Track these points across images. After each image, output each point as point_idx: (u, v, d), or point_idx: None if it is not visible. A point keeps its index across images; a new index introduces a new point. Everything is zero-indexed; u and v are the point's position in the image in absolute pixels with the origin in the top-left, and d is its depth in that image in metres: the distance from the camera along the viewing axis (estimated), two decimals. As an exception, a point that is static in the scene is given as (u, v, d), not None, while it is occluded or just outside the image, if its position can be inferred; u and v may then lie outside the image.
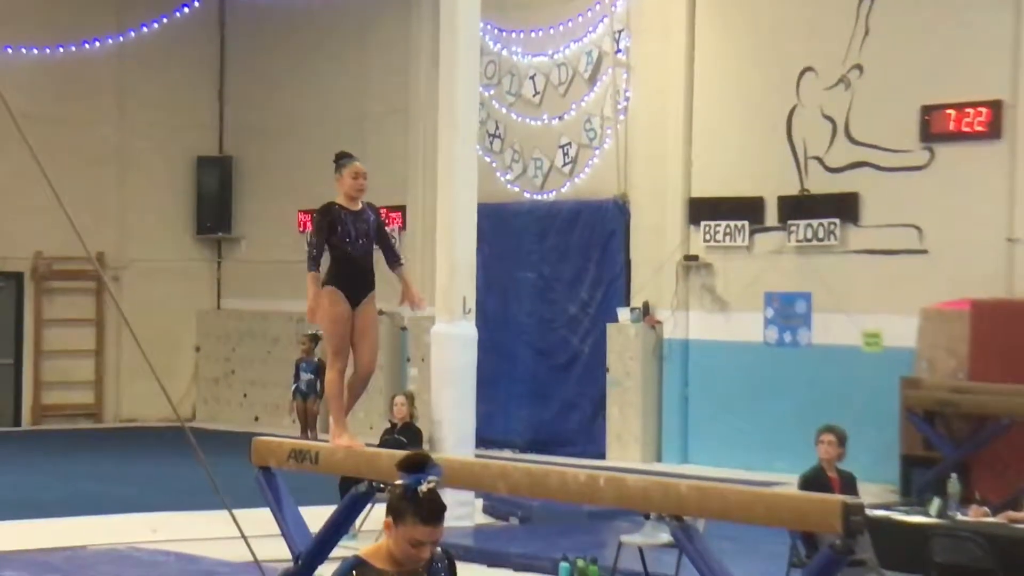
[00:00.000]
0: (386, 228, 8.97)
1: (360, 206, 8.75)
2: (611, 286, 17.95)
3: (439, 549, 4.62)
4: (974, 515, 9.37)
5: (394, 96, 20.35)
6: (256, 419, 21.30)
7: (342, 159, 8.96)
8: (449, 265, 13.16)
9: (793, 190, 16.34)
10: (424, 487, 4.52)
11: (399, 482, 4.58)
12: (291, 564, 8.11)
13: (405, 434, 12.78)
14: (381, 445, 11.94)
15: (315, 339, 18.71)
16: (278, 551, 8.56)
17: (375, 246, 8.69)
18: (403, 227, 20.43)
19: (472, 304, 13.18)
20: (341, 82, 21.18)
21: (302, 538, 8.10)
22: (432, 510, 4.52)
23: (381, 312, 22.12)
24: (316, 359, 18.43)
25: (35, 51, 21.20)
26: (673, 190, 17.27)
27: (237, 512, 8.57)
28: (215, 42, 23.05)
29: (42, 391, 21.93)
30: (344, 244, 8.57)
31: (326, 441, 8.68)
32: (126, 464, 17.72)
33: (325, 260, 8.69)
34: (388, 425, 13.38)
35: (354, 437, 8.32)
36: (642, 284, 17.63)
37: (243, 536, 7.73)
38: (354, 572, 4.61)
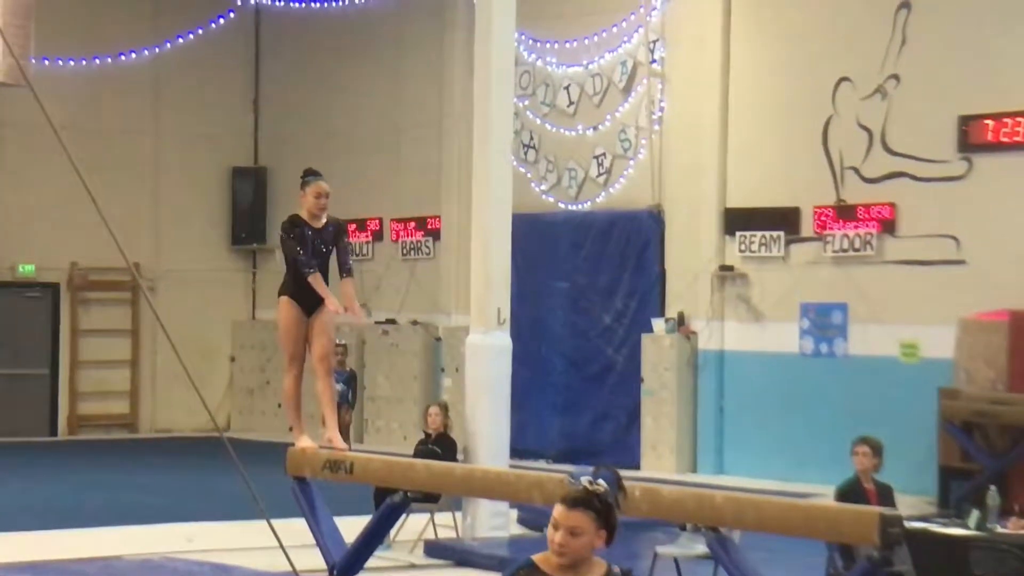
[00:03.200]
0: (347, 241, 9.40)
1: (323, 223, 9.10)
2: (646, 296, 17.91)
3: (616, 570, 4.60)
4: (1013, 527, 9.29)
5: (429, 106, 20.37)
6: (291, 429, 21.28)
7: (308, 176, 9.30)
8: (484, 275, 13.14)
9: (829, 200, 16.27)
10: (586, 480, 4.56)
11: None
12: (326, 574, 8.11)
13: (440, 445, 12.76)
14: (416, 455, 11.94)
15: (346, 350, 18.74)
16: (313, 561, 8.56)
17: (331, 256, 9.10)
18: (437, 237, 20.45)
19: (507, 315, 13.15)
20: (375, 92, 21.22)
21: (337, 548, 8.10)
22: (573, 493, 4.53)
23: (416, 323, 22.20)
24: (348, 369, 18.44)
25: (71, 62, 21.31)
26: (708, 200, 17.22)
27: (272, 522, 8.57)
28: (250, 52, 23.13)
29: (78, 401, 22.02)
30: (303, 257, 8.99)
31: (359, 451, 8.69)
32: (161, 474, 17.77)
33: (281, 269, 9.16)
34: (423, 435, 13.37)
35: (312, 440, 8.83)
36: (677, 294, 17.58)
37: (281, 546, 7.74)
38: (522, 571, 4.65)
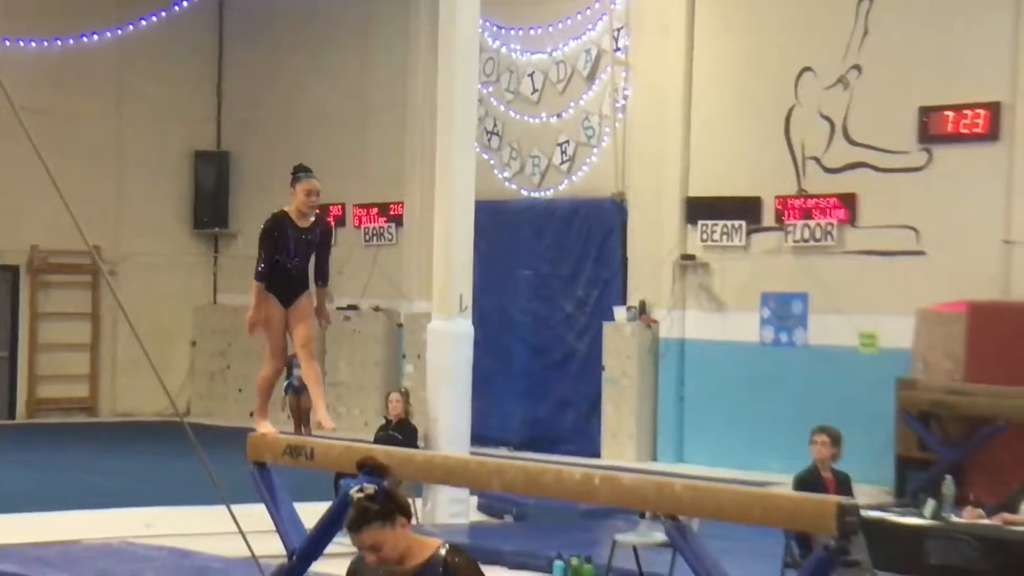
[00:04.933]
0: (329, 247, 9.21)
1: (311, 221, 8.94)
2: (608, 284, 17.95)
3: (442, 553, 4.63)
4: (969, 517, 9.37)
5: (392, 92, 20.34)
6: (251, 414, 21.19)
7: (299, 173, 9.13)
8: (446, 262, 13.15)
9: (791, 190, 16.34)
10: (354, 492, 4.60)
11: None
12: (285, 560, 8.11)
13: (400, 431, 12.77)
14: (376, 441, 11.96)
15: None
16: (273, 546, 8.55)
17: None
18: (400, 224, 20.44)
19: (469, 301, 13.16)
20: (340, 78, 21.17)
21: (297, 533, 8.10)
22: (350, 517, 4.59)
23: (378, 309, 22.20)
24: (312, 355, 18.40)
25: (33, 44, 21.18)
26: (671, 189, 17.27)
27: (234, 507, 8.56)
28: (214, 36, 23.03)
29: (37, 385, 21.91)
30: (284, 259, 8.87)
31: (320, 437, 8.70)
32: (121, 458, 17.71)
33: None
34: (384, 422, 13.38)
35: (272, 426, 8.78)
36: (639, 283, 17.63)
37: (241, 532, 7.73)
38: (353, 562, 4.75)
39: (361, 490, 4.60)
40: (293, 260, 8.89)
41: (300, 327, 8.97)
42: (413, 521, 4.76)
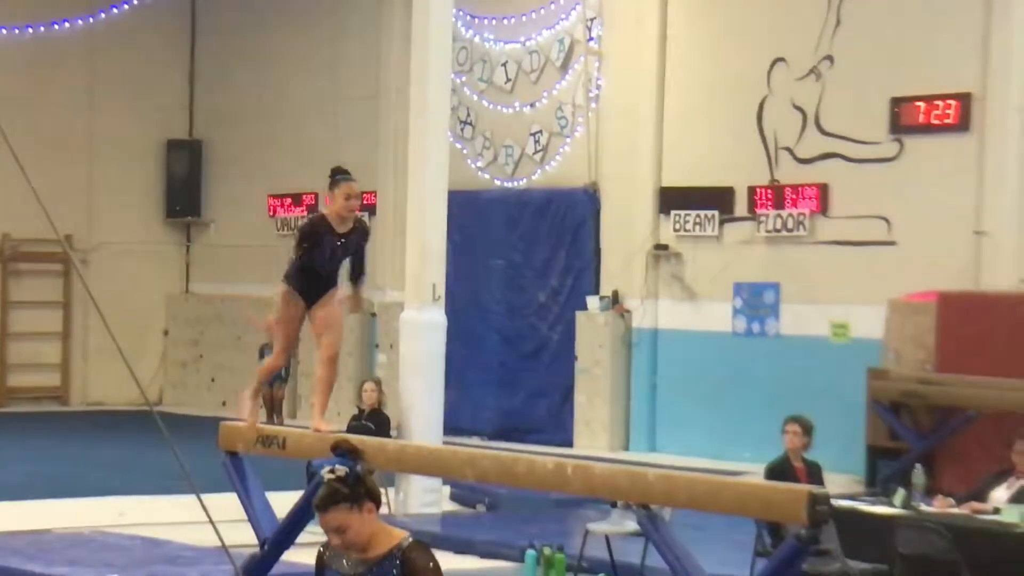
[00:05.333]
0: (365, 248, 8.76)
1: (349, 227, 8.45)
2: (581, 274, 17.97)
3: (403, 546, 4.64)
4: (938, 506, 9.42)
5: (366, 81, 20.30)
6: (224, 404, 21.24)
7: (337, 176, 8.55)
8: (419, 252, 13.15)
9: (763, 180, 16.38)
10: (325, 472, 4.63)
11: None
12: (257, 549, 8.11)
13: (373, 420, 12.78)
14: (349, 431, 11.94)
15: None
16: (245, 536, 8.55)
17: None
18: (373, 213, 20.41)
19: (442, 291, 13.18)
20: (313, 67, 21.12)
21: (268, 523, 8.10)
22: (319, 496, 4.63)
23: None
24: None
25: (3, 31, 21.06)
26: (644, 179, 17.29)
27: (204, 497, 8.55)
28: (186, 25, 22.95)
29: (8, 373, 21.83)
30: (315, 261, 8.47)
31: (292, 427, 8.70)
32: (92, 447, 17.66)
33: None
34: (356, 411, 13.38)
35: (252, 416, 8.63)
36: (612, 273, 17.65)
37: (211, 521, 7.73)
38: (321, 547, 4.80)
39: (332, 471, 4.63)
40: (327, 263, 8.48)
41: (328, 335, 8.58)
42: (384, 510, 4.79)
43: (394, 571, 4.59)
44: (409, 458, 8.57)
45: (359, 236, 8.59)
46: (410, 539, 4.67)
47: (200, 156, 22.75)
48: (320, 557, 4.78)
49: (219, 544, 8.46)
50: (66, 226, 21.83)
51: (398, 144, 18.74)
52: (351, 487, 4.61)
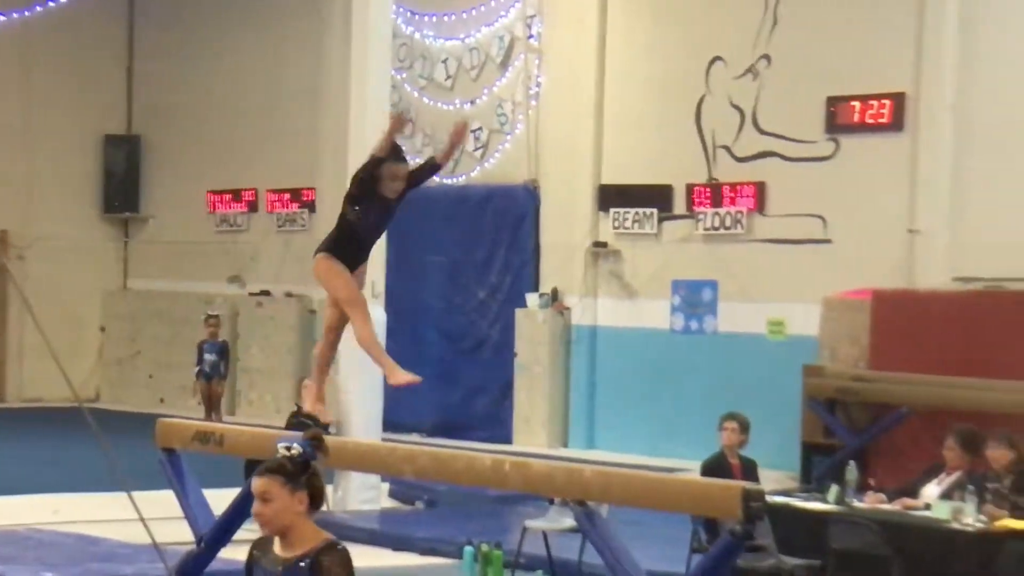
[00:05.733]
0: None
1: (394, 199, 7.94)
2: (520, 271, 18.02)
3: (318, 548, 4.64)
4: (870, 502, 9.53)
5: (306, 77, 20.25)
6: (162, 400, 21.14)
7: (390, 158, 7.86)
8: (358, 248, 13.11)
9: (701, 179, 16.49)
10: (282, 446, 4.71)
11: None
12: (194, 547, 8.09)
13: (312, 418, 12.73)
14: (288, 428, 11.93)
15: (219, 321, 18.61)
16: (182, 533, 8.53)
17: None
18: (313, 210, 20.37)
19: (381, 288, 13.19)
20: (252, 62, 21.05)
21: (205, 520, 8.08)
22: (266, 462, 4.73)
23: (290, 295, 22.07)
24: (221, 340, 18.34)
25: (-61, 24, 20.86)
26: (583, 176, 17.36)
27: (143, 494, 8.53)
28: (124, 19, 22.80)
29: (-58, 370, 21.64)
30: (359, 223, 7.88)
31: (230, 423, 8.66)
32: (28, 444, 17.52)
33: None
34: (295, 408, 13.36)
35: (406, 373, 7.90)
36: (551, 270, 17.71)
37: (141, 518, 7.71)
38: (256, 541, 4.84)
39: (289, 448, 4.69)
40: (370, 230, 7.88)
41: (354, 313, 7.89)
42: (324, 508, 4.82)
43: (305, 571, 4.60)
44: (348, 455, 8.57)
45: (397, 204, 8.00)
46: (328, 542, 4.68)
47: (139, 151, 22.62)
48: (251, 554, 4.81)
49: (158, 542, 8.45)
50: (2, 221, 21.69)
51: (338, 140, 18.69)
52: (297, 469, 4.65)
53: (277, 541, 4.70)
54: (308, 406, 8.20)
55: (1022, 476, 9.20)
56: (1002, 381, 13.03)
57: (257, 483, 4.67)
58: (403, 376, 7.94)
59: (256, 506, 4.66)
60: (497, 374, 18.03)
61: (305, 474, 4.66)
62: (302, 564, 4.61)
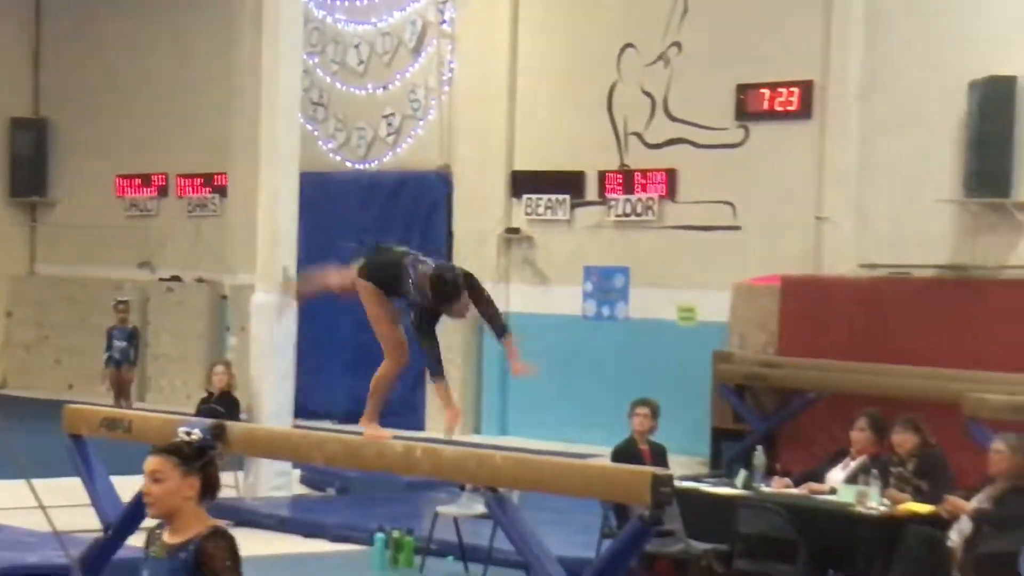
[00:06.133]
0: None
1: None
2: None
3: (203, 534, 4.65)
4: (777, 487, 9.64)
5: (218, 61, 20.08)
6: (70, 387, 20.90)
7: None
8: (270, 234, 13.09)
9: (613, 165, 16.57)
10: (182, 431, 4.78)
11: None
12: (101, 534, 8.04)
13: (223, 403, 12.70)
14: (198, 414, 11.86)
15: (129, 306, 18.44)
16: (89, 521, 8.46)
17: None
18: (224, 195, 20.22)
19: (293, 274, 13.12)
20: (164, 46, 20.83)
21: (113, 507, 8.03)
22: (163, 444, 4.76)
23: (201, 280, 21.86)
24: (130, 327, 18.18)
25: None
26: (496, 162, 17.38)
27: (51, 481, 8.45)
28: (31, 2, 22.47)
29: None
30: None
31: (139, 410, 8.60)
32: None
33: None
34: (205, 394, 13.28)
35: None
36: (464, 256, 17.67)
37: (41, 506, 7.63)
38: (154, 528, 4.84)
39: (189, 433, 4.73)
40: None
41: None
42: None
43: (188, 558, 4.58)
44: (258, 441, 8.55)
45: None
46: (215, 529, 4.67)
47: (46, 135, 22.31)
48: (147, 538, 4.80)
49: (66, 529, 8.37)
50: (-95, 205, 21.31)
51: (250, 125, 18.56)
52: (193, 454, 4.66)
53: (166, 528, 4.70)
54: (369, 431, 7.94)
55: (925, 460, 9.35)
56: (906, 367, 13.25)
57: (149, 462, 4.65)
58: (375, 431, 8.25)
59: (145, 485, 4.65)
60: (410, 361, 17.96)
61: (200, 460, 4.65)
62: (186, 551, 4.58)
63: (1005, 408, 11.92)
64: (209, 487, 4.69)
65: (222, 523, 4.74)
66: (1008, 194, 13.69)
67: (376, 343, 19.55)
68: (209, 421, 4.92)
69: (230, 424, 8.46)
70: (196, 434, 4.72)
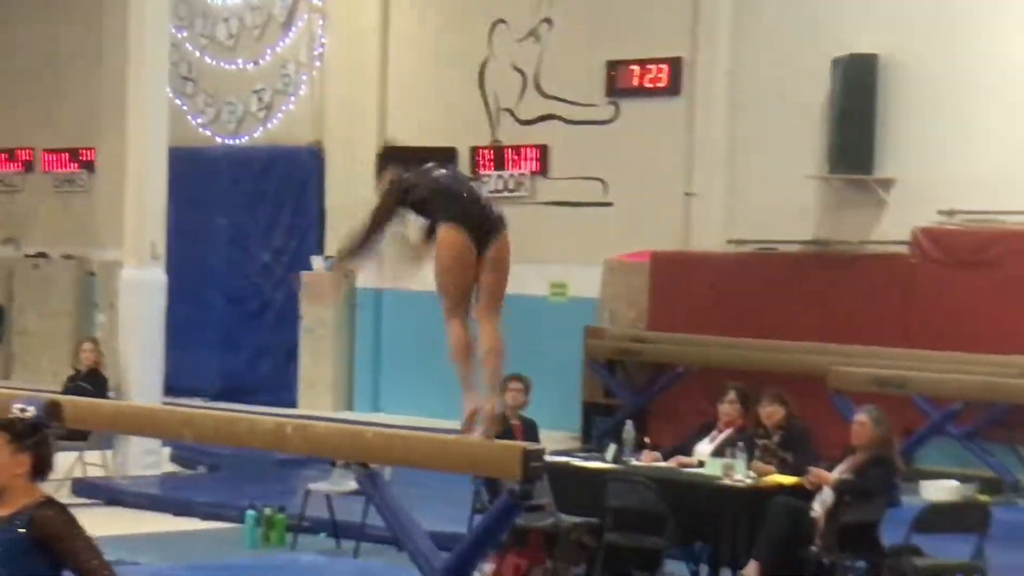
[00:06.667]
0: None
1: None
2: (306, 234, 17.91)
3: (34, 503, 4.64)
4: (647, 460, 9.76)
5: (86, 34, 19.73)
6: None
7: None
8: (138, 209, 12.96)
9: (485, 141, 16.61)
10: (16, 407, 4.71)
11: None
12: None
13: (90, 381, 12.55)
14: (65, 392, 11.70)
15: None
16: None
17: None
18: (92, 170, 19.92)
19: (162, 250, 13.01)
20: (30, 18, 20.41)
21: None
22: None
23: (69, 257, 21.54)
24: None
25: None
26: (367, 138, 17.30)
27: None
28: None
29: None
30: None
31: (2, 387, 8.46)
32: None
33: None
34: (73, 372, 13.11)
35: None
36: (337, 232, 17.60)
37: None
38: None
39: (24, 410, 4.69)
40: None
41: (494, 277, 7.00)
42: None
43: (20, 528, 4.58)
44: (125, 419, 8.48)
45: None
46: (47, 498, 4.68)
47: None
48: None
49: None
50: None
51: (118, 99, 18.29)
52: (25, 431, 4.64)
53: None
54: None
55: (790, 432, 9.53)
56: (773, 341, 13.49)
57: None
58: (480, 405, 6.99)
59: None
60: (282, 337, 17.92)
61: (32, 438, 4.63)
62: (18, 519, 4.57)
63: (868, 381, 12.20)
64: (41, 465, 4.67)
65: (51, 494, 4.73)
66: (870, 170, 13.96)
67: (246, 322, 19.46)
68: (45, 398, 4.85)
69: (86, 402, 8.37)
70: (30, 411, 4.67)
